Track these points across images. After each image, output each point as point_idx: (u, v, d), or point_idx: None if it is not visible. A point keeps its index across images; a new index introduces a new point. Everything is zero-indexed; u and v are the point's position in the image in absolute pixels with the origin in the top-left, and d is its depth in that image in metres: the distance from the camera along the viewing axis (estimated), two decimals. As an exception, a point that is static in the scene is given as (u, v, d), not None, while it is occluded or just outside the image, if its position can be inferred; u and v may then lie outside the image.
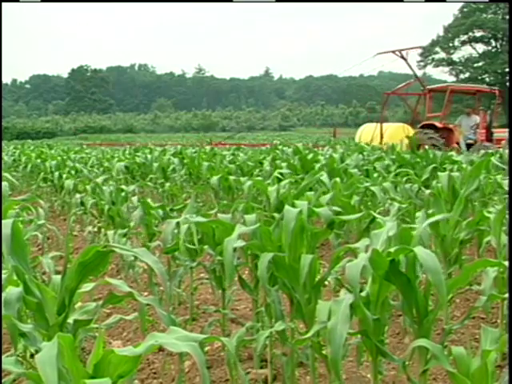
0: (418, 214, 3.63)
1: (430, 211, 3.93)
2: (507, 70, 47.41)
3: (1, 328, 1.86)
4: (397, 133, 18.20)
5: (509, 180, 3.64)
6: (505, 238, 3.34)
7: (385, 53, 20.43)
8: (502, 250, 3.32)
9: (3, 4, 4.27)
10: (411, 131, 18.07)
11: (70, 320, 2.09)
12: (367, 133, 19.57)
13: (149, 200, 4.92)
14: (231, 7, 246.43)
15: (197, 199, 8.30)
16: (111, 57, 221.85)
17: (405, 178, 6.52)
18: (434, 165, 7.17)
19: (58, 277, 2.19)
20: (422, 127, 17.73)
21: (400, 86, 21.22)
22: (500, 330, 2.17)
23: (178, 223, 3.30)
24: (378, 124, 19.36)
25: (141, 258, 2.01)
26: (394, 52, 20.14)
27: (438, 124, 17.60)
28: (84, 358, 3.11)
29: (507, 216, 3.38)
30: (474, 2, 49.21)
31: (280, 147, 12.04)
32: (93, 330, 2.34)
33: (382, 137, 18.66)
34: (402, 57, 20.47)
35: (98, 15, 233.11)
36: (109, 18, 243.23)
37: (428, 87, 19.53)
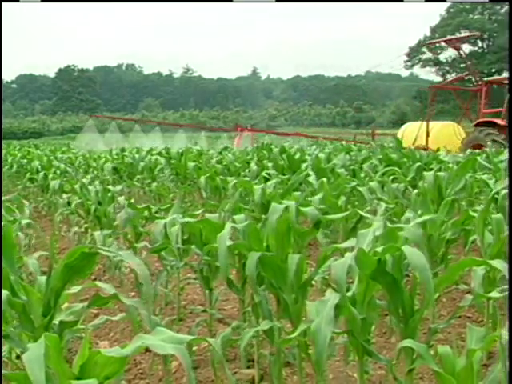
0: (407, 214, 3.63)
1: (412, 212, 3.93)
2: (493, 70, 47.69)
3: (1, 328, 1.85)
4: (444, 132, 16.74)
5: (509, 180, 3.64)
6: (489, 237, 3.36)
7: (436, 42, 19.67)
8: (486, 249, 3.33)
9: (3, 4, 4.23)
10: (461, 130, 16.67)
11: (56, 321, 2.08)
12: (410, 132, 17.61)
13: (133, 200, 4.91)
14: (231, 7, 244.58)
15: (184, 199, 8.28)
16: (98, 56, 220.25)
17: (391, 178, 6.53)
18: (418, 163, 7.19)
19: (44, 278, 2.17)
20: (477, 125, 15.71)
21: (449, 79, 20.07)
22: (486, 329, 2.18)
23: (166, 224, 3.30)
24: (423, 123, 17.40)
25: (125, 260, 2.00)
26: (445, 41, 19.15)
27: (499, 121, 15.26)
28: (71, 358, 3.09)
29: (507, 216, 3.38)
30: (471, 2, 49.37)
31: (273, 146, 12.06)
32: (79, 331, 2.33)
33: (428, 135, 16.83)
34: (455, 47, 19.27)
35: (90, 15, 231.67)
36: (100, 18, 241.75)
37: (485, 79, 17.73)
